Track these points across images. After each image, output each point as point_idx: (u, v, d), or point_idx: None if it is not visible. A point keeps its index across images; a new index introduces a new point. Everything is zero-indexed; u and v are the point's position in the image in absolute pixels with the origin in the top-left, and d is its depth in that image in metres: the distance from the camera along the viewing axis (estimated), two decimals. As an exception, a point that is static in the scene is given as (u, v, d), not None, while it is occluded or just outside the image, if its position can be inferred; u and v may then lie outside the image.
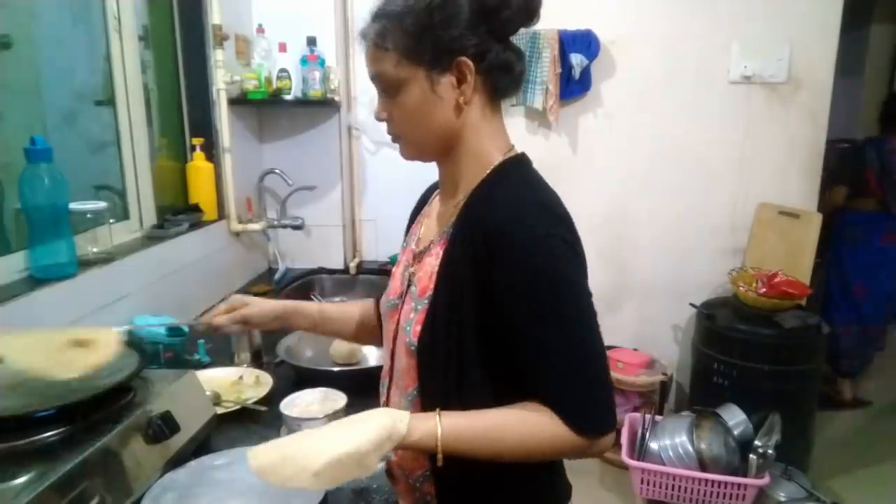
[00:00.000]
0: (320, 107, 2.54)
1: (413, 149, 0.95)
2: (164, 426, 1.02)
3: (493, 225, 0.83)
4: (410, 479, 0.97)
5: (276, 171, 2.46)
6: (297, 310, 1.23)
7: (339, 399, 1.34)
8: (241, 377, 1.50)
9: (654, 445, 2.24)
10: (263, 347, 1.65)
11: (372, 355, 1.67)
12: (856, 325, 3.29)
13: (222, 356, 1.64)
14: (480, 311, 0.85)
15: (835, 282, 3.36)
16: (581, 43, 2.63)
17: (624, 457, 2.27)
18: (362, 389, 1.26)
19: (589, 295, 0.86)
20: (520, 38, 2.60)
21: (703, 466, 2.16)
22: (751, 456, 2.09)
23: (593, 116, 2.78)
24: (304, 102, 2.44)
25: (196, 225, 2.09)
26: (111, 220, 1.68)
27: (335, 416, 1.21)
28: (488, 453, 0.83)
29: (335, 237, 2.71)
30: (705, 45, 2.64)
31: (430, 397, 0.89)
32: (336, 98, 2.52)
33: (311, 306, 1.26)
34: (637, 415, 2.44)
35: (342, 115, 2.64)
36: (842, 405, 3.33)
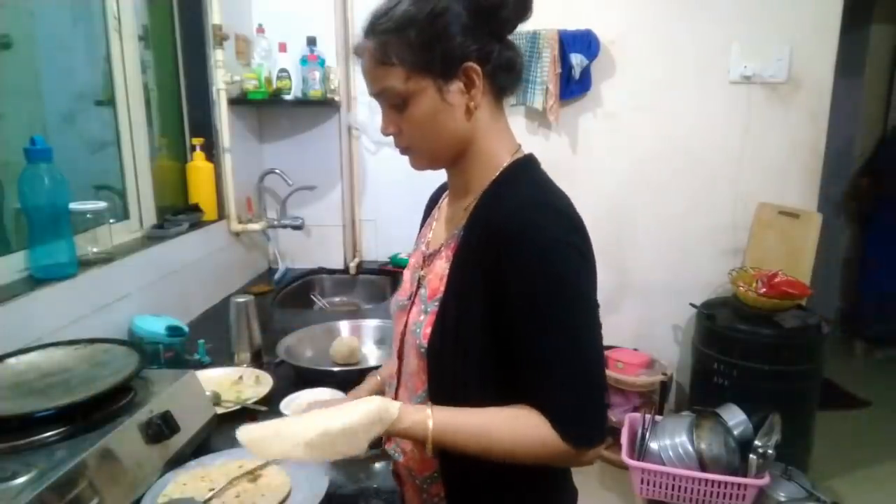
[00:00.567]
0: (320, 107, 2.54)
1: (425, 159, 0.94)
2: (164, 426, 1.02)
3: (504, 227, 0.83)
4: (417, 481, 0.97)
5: (276, 171, 2.46)
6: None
7: (338, 399, 1.35)
8: (241, 377, 1.50)
9: (654, 445, 2.24)
10: (263, 347, 1.65)
11: (372, 355, 1.67)
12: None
13: (222, 356, 1.64)
14: (490, 313, 0.84)
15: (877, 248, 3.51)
16: (581, 43, 2.63)
17: (624, 457, 2.27)
18: (362, 389, 1.26)
19: (596, 306, 0.87)
20: (520, 38, 2.60)
21: (703, 466, 2.16)
22: (751, 456, 2.09)
23: (593, 116, 2.78)
24: (304, 102, 2.44)
25: (196, 225, 2.09)
26: (111, 220, 1.68)
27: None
28: (476, 449, 0.83)
29: (335, 237, 2.71)
30: (705, 45, 2.64)
31: (439, 399, 0.89)
32: (336, 98, 2.52)
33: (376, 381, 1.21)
34: (637, 415, 2.44)
35: (342, 115, 2.64)
36: (843, 403, 3.34)
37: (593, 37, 2.63)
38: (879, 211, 3.91)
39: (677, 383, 2.92)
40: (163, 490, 0.97)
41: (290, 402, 1.34)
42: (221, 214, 2.28)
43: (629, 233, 2.85)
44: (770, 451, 2.09)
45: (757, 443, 2.11)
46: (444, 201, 1.05)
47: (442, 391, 0.90)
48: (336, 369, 1.54)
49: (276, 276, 2.53)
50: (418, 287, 0.97)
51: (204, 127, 2.24)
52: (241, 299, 1.62)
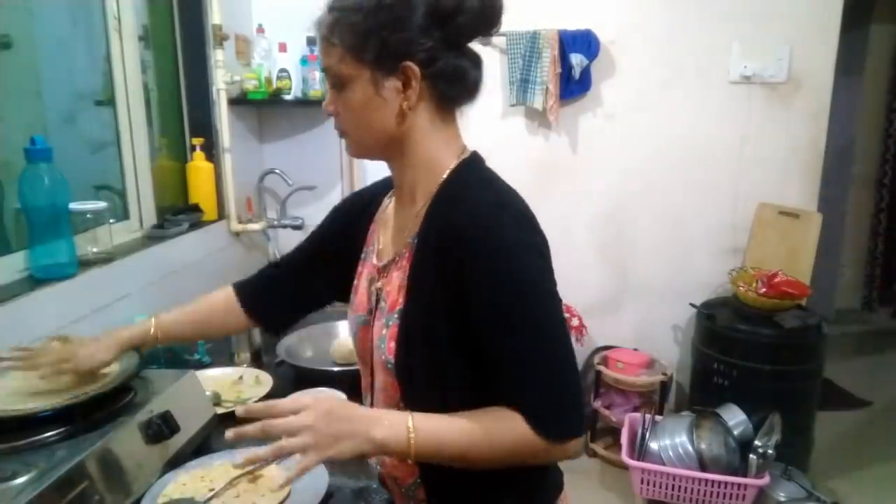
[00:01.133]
0: (320, 107, 2.52)
1: (357, 147, 0.93)
2: (164, 426, 1.02)
3: (462, 232, 0.82)
4: (403, 488, 0.96)
5: (276, 171, 2.45)
6: (139, 339, 1.12)
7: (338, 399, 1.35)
8: (241, 377, 1.50)
9: (654, 445, 2.24)
10: (263, 347, 1.65)
11: (372, 355, 1.67)
12: None
13: (222, 356, 1.64)
14: (455, 319, 0.83)
15: None
16: (581, 43, 2.63)
17: (624, 457, 2.27)
18: (362, 389, 1.26)
19: (556, 298, 0.85)
20: (520, 38, 2.60)
21: (703, 466, 2.16)
22: (751, 456, 2.09)
23: (593, 116, 2.78)
24: (304, 102, 2.44)
25: (196, 225, 2.09)
26: (111, 220, 1.68)
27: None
28: (454, 450, 0.82)
29: (335, 237, 2.71)
30: (705, 45, 2.64)
31: (414, 410, 0.87)
32: (336, 98, 2.52)
33: (148, 326, 1.13)
34: (637, 415, 2.44)
35: (342, 115, 2.64)
36: (843, 403, 3.34)
37: (593, 37, 2.63)
38: None
39: (677, 383, 2.92)
40: (163, 490, 0.97)
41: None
42: (221, 214, 2.29)
43: (629, 233, 2.85)
44: (770, 451, 2.09)
45: (757, 443, 2.11)
46: (388, 207, 1.02)
47: (415, 402, 0.88)
48: (336, 369, 1.53)
49: (276, 276, 2.52)
50: (377, 301, 0.95)
51: (204, 127, 2.24)
52: (241, 299, 1.61)
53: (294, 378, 1.52)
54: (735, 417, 2.22)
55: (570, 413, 0.82)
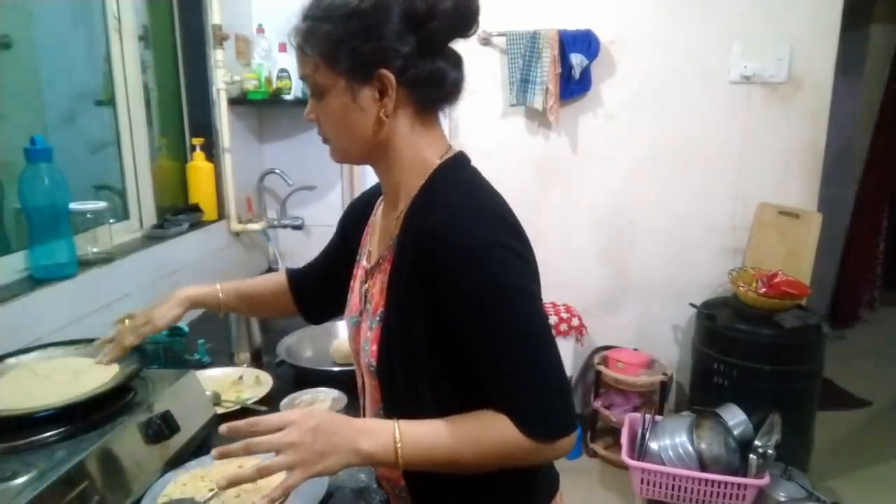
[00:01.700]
0: (320, 107, 2.53)
1: (339, 153, 0.93)
2: (164, 426, 1.02)
3: (434, 235, 0.81)
4: (396, 490, 0.96)
5: (276, 171, 2.46)
6: (209, 301, 1.20)
7: (338, 399, 1.35)
8: (241, 377, 1.50)
9: (654, 445, 2.25)
10: (263, 347, 1.65)
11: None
12: None
13: (222, 356, 1.64)
14: (433, 322, 0.83)
15: None
16: (581, 43, 2.62)
17: (624, 457, 2.27)
18: (362, 389, 1.26)
19: (537, 299, 0.84)
20: (520, 38, 2.60)
21: (703, 466, 2.16)
22: (751, 456, 2.10)
23: (593, 116, 2.78)
24: (304, 102, 2.39)
25: (196, 225, 2.09)
26: (111, 220, 1.68)
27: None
28: (442, 457, 0.81)
29: (335, 237, 2.71)
30: (705, 45, 2.64)
31: (395, 415, 0.86)
32: (336, 98, 2.52)
33: (216, 290, 1.21)
34: (637, 415, 2.44)
35: (342, 115, 2.64)
36: (843, 403, 3.34)
37: (593, 37, 2.63)
38: None
39: (677, 383, 2.92)
40: (163, 490, 0.97)
41: (290, 402, 1.34)
42: (221, 214, 2.29)
43: (629, 233, 2.85)
44: (770, 451, 2.09)
45: (757, 443, 2.11)
46: (378, 209, 1.03)
47: (396, 407, 0.88)
48: (336, 369, 1.53)
49: (276, 276, 2.52)
50: (365, 302, 0.95)
51: (204, 127, 2.24)
52: (241, 299, 1.61)
53: (294, 378, 1.52)
54: (735, 417, 2.22)
55: (557, 411, 0.81)
